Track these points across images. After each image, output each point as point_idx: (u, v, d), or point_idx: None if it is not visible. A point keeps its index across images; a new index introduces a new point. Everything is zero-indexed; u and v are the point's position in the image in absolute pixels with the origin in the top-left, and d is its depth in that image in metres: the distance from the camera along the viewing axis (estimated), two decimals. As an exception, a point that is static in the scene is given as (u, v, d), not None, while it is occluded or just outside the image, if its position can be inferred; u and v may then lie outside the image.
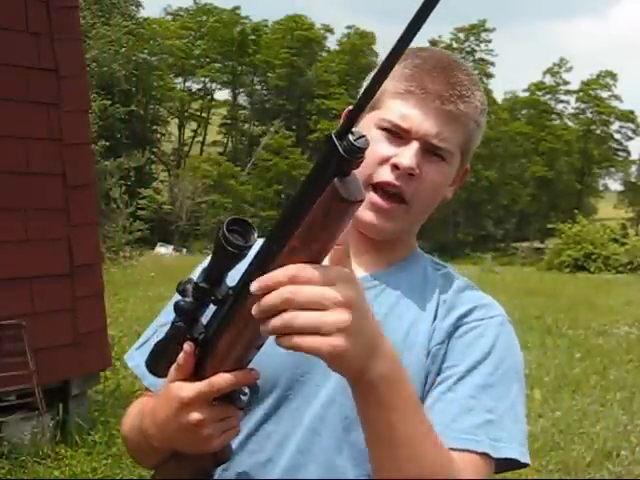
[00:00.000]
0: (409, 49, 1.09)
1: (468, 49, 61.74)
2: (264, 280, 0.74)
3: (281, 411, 1.02)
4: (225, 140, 59.23)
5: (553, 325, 10.59)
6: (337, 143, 0.70)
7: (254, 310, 0.75)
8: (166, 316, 1.13)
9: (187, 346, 0.87)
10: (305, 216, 0.73)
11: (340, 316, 0.72)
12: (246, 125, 59.23)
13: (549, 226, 40.28)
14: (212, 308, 0.88)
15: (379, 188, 1.04)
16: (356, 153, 0.70)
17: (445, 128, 1.03)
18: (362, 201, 0.73)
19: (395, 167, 1.02)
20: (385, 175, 1.03)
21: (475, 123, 1.07)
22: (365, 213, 1.04)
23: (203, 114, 57.86)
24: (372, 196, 1.04)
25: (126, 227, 16.34)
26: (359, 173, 0.86)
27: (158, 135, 51.68)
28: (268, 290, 0.73)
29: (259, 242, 0.84)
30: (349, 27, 63.33)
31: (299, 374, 1.02)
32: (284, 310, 0.73)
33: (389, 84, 1.05)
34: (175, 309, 0.87)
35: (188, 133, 56.89)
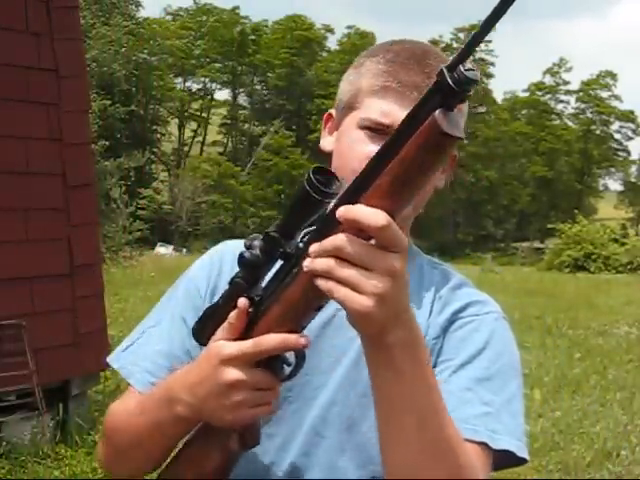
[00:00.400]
0: (380, 45, 1.09)
1: (468, 49, 61.65)
2: (351, 209, 0.73)
3: (281, 413, 1.01)
4: (225, 140, 59.15)
5: (553, 325, 10.58)
6: (447, 75, 0.68)
7: (311, 248, 0.75)
8: (156, 317, 1.10)
9: (242, 301, 0.84)
10: (400, 150, 0.70)
11: (380, 283, 0.73)
12: (246, 125, 59.13)
13: (549, 226, 40.19)
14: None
15: None
16: (466, 84, 0.68)
17: None
18: (461, 139, 0.70)
19: None
20: None
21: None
22: None
23: (203, 114, 57.80)
24: None
25: (126, 227, 16.31)
26: (345, 174, 0.84)
27: (158, 135, 51.63)
28: (350, 222, 0.73)
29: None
30: (349, 27, 63.17)
31: (298, 376, 1.01)
32: (334, 256, 0.74)
33: (364, 82, 1.04)
34: (239, 262, 0.84)
35: (188, 133, 56.83)
